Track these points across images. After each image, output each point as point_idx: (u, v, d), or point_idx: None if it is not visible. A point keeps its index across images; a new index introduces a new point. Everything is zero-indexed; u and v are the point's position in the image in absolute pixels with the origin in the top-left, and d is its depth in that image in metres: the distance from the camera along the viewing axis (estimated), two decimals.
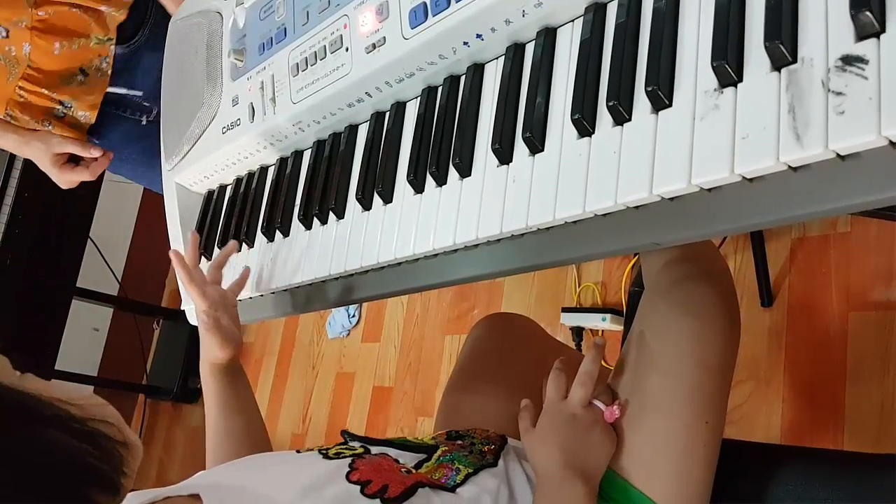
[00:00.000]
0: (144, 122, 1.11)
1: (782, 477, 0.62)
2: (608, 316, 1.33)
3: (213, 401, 0.74)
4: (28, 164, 1.68)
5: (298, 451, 0.60)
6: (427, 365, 1.70)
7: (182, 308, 0.97)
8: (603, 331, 1.37)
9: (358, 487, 0.52)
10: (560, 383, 0.63)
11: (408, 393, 1.72)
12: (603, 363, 0.64)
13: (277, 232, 0.81)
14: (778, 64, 0.42)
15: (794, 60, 0.41)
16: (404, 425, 1.70)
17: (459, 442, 0.66)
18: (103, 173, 1.10)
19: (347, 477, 0.53)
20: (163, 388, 2.32)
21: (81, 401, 0.37)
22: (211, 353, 0.74)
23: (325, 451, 0.58)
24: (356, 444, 0.62)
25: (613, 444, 0.60)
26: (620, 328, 1.32)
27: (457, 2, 0.58)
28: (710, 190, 0.45)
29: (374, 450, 0.60)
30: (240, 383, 0.76)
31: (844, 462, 0.64)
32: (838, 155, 0.39)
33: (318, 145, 0.79)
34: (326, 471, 0.54)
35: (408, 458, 0.61)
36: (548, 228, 0.53)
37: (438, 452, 0.62)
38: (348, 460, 0.55)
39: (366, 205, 0.70)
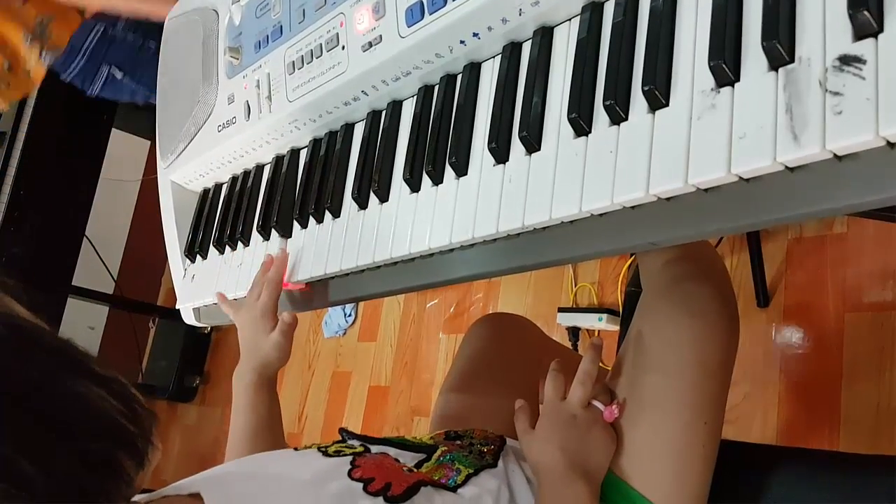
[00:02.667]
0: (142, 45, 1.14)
1: (779, 478, 0.62)
2: (604, 316, 1.33)
3: (249, 415, 0.71)
4: (23, 161, 1.68)
5: (296, 449, 0.59)
6: (423, 364, 1.70)
7: (177, 307, 0.96)
8: (599, 331, 1.37)
9: (360, 485, 0.51)
10: (558, 384, 0.62)
11: (404, 392, 1.72)
12: (600, 363, 0.64)
13: (273, 230, 0.81)
14: (775, 63, 0.41)
15: (792, 60, 0.41)
16: (400, 424, 1.70)
17: (458, 442, 0.66)
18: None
19: (349, 474, 0.52)
20: (158, 387, 2.31)
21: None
22: (276, 357, 0.72)
23: (324, 449, 0.58)
24: (355, 442, 0.62)
25: (614, 443, 0.59)
26: (617, 328, 1.32)
27: (453, 0, 0.57)
28: (706, 190, 0.44)
29: (374, 449, 0.60)
30: (276, 400, 0.75)
31: (841, 463, 0.63)
32: (836, 155, 0.39)
33: (315, 143, 0.79)
34: (328, 467, 0.53)
35: (407, 458, 0.60)
36: (544, 228, 0.53)
37: (438, 453, 0.62)
38: (349, 458, 0.55)
39: (362, 203, 0.70)
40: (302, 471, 0.52)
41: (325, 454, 0.56)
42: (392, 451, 0.60)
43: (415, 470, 0.58)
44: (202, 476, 0.51)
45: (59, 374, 0.34)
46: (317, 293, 0.76)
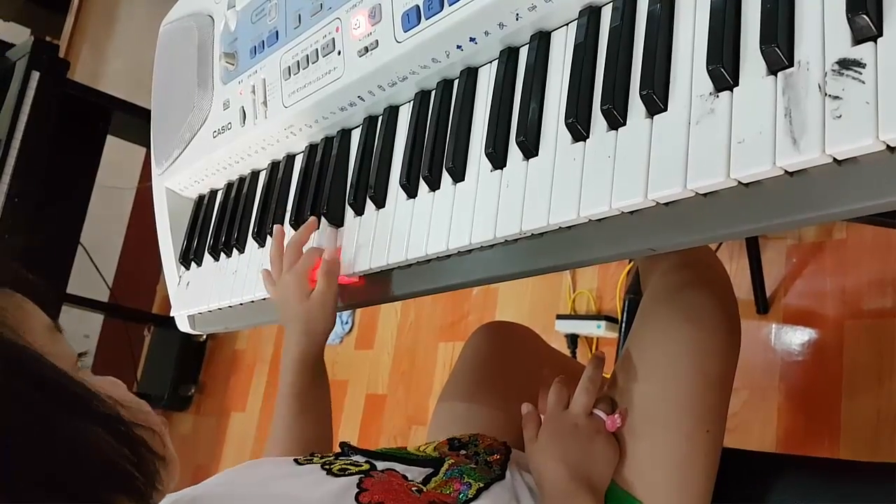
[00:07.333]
0: None
1: (780, 485, 0.61)
2: (603, 323, 1.33)
3: (288, 397, 0.67)
4: (18, 168, 1.67)
5: (297, 462, 0.57)
6: (421, 373, 1.69)
7: (172, 315, 0.95)
8: (598, 338, 1.37)
9: None
10: (562, 393, 0.62)
11: (401, 401, 1.71)
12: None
13: (269, 237, 0.80)
14: (774, 68, 0.41)
15: (791, 64, 0.40)
16: (398, 434, 1.68)
17: (464, 452, 0.64)
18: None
19: (357, 499, 0.50)
20: (153, 396, 2.30)
21: (132, 404, 0.37)
22: (322, 316, 0.66)
23: (328, 466, 0.55)
24: (360, 458, 0.59)
25: (617, 453, 0.59)
26: (615, 335, 1.31)
27: (450, 5, 0.57)
28: (705, 195, 0.44)
29: (380, 465, 0.58)
30: (321, 381, 0.70)
31: (842, 471, 0.63)
32: (835, 160, 0.39)
33: (311, 149, 0.78)
34: (333, 491, 0.51)
35: (415, 473, 0.58)
36: (542, 234, 0.53)
37: (446, 466, 0.60)
38: (356, 479, 0.53)
39: (358, 209, 0.69)
40: (306, 495, 0.50)
41: (330, 472, 0.54)
42: (399, 468, 0.58)
43: (424, 489, 0.55)
44: (193, 496, 0.49)
45: (56, 417, 0.33)
46: None
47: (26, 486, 0.31)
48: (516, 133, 0.55)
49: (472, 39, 0.59)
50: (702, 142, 0.43)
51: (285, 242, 0.71)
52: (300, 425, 0.68)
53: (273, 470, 0.56)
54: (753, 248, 1.10)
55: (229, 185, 0.91)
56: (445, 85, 0.64)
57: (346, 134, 0.75)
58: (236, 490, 0.52)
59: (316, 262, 0.69)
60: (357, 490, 0.51)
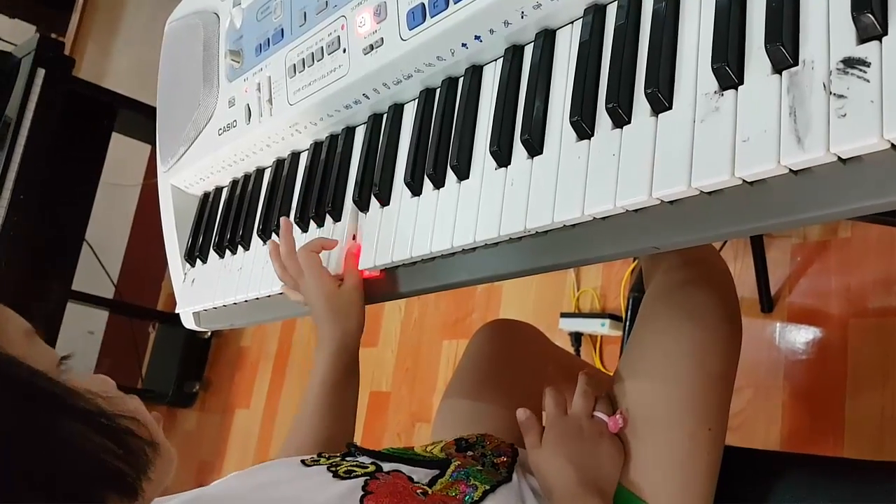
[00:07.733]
0: None
1: (784, 484, 0.61)
2: (607, 321, 1.33)
3: (316, 389, 0.67)
4: (23, 165, 1.68)
5: (304, 463, 0.57)
6: (425, 370, 1.69)
7: (177, 311, 0.96)
8: (602, 336, 1.37)
9: None
10: (559, 398, 0.62)
11: (405, 398, 1.71)
12: (602, 369, 0.64)
13: (274, 235, 0.80)
14: (779, 66, 0.41)
15: (796, 63, 0.41)
16: (402, 431, 1.69)
17: (471, 453, 0.64)
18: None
19: (362, 502, 0.50)
20: (158, 393, 2.31)
21: (111, 394, 0.37)
22: (353, 309, 0.67)
23: (334, 469, 0.55)
24: (365, 459, 0.59)
25: (622, 455, 0.59)
26: (619, 333, 1.31)
27: (455, 3, 0.57)
28: (710, 193, 0.44)
29: (386, 466, 0.58)
30: (351, 380, 0.70)
31: (846, 470, 0.63)
32: (840, 158, 0.39)
33: (316, 147, 0.79)
34: (339, 494, 0.51)
35: (421, 475, 0.58)
36: (546, 232, 0.53)
37: (452, 468, 0.60)
38: (361, 481, 0.53)
39: (363, 207, 0.69)
40: (311, 498, 0.50)
41: (336, 475, 0.54)
42: (405, 469, 0.58)
43: (429, 491, 0.55)
44: (194, 498, 0.49)
45: (34, 418, 0.32)
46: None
47: (8, 488, 0.30)
48: (521, 131, 0.55)
49: (477, 37, 0.59)
50: (706, 140, 0.43)
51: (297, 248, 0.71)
52: (323, 419, 0.67)
53: (280, 472, 0.56)
54: (758, 246, 1.10)
55: (234, 183, 0.91)
56: (450, 83, 0.64)
57: (350, 131, 0.75)
58: (239, 493, 0.52)
59: (319, 250, 0.69)
60: (362, 493, 0.51)
